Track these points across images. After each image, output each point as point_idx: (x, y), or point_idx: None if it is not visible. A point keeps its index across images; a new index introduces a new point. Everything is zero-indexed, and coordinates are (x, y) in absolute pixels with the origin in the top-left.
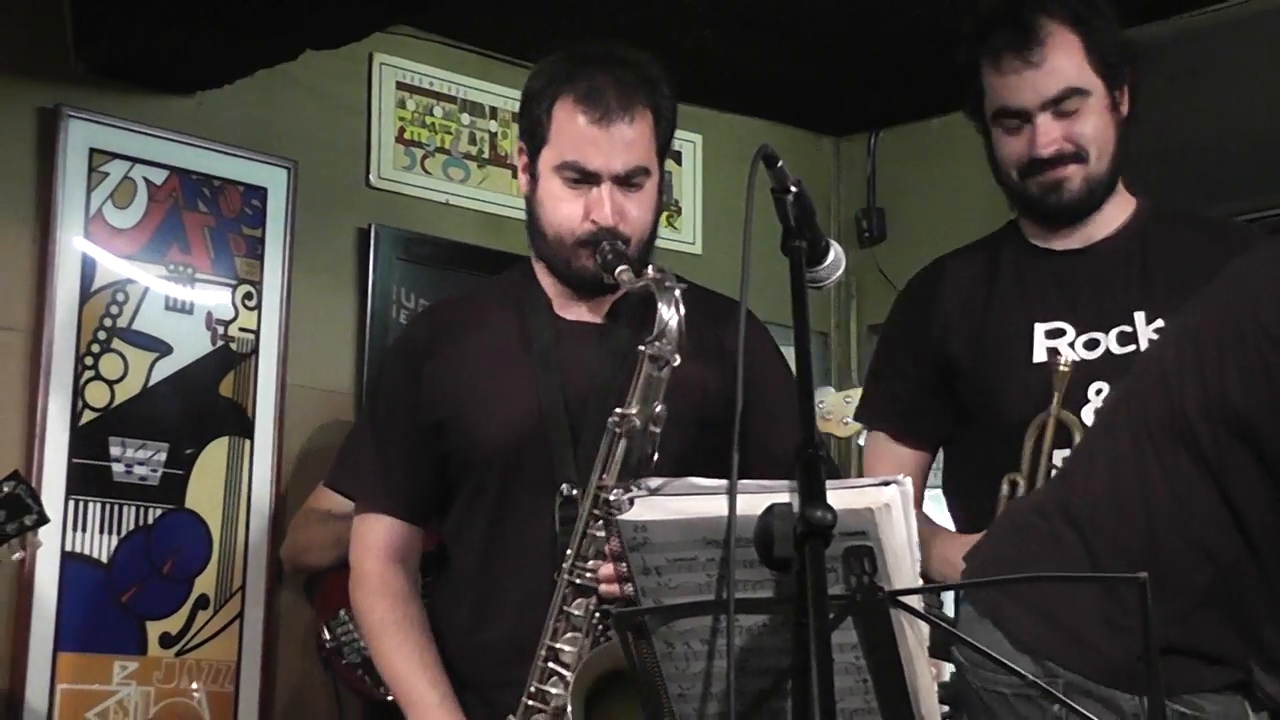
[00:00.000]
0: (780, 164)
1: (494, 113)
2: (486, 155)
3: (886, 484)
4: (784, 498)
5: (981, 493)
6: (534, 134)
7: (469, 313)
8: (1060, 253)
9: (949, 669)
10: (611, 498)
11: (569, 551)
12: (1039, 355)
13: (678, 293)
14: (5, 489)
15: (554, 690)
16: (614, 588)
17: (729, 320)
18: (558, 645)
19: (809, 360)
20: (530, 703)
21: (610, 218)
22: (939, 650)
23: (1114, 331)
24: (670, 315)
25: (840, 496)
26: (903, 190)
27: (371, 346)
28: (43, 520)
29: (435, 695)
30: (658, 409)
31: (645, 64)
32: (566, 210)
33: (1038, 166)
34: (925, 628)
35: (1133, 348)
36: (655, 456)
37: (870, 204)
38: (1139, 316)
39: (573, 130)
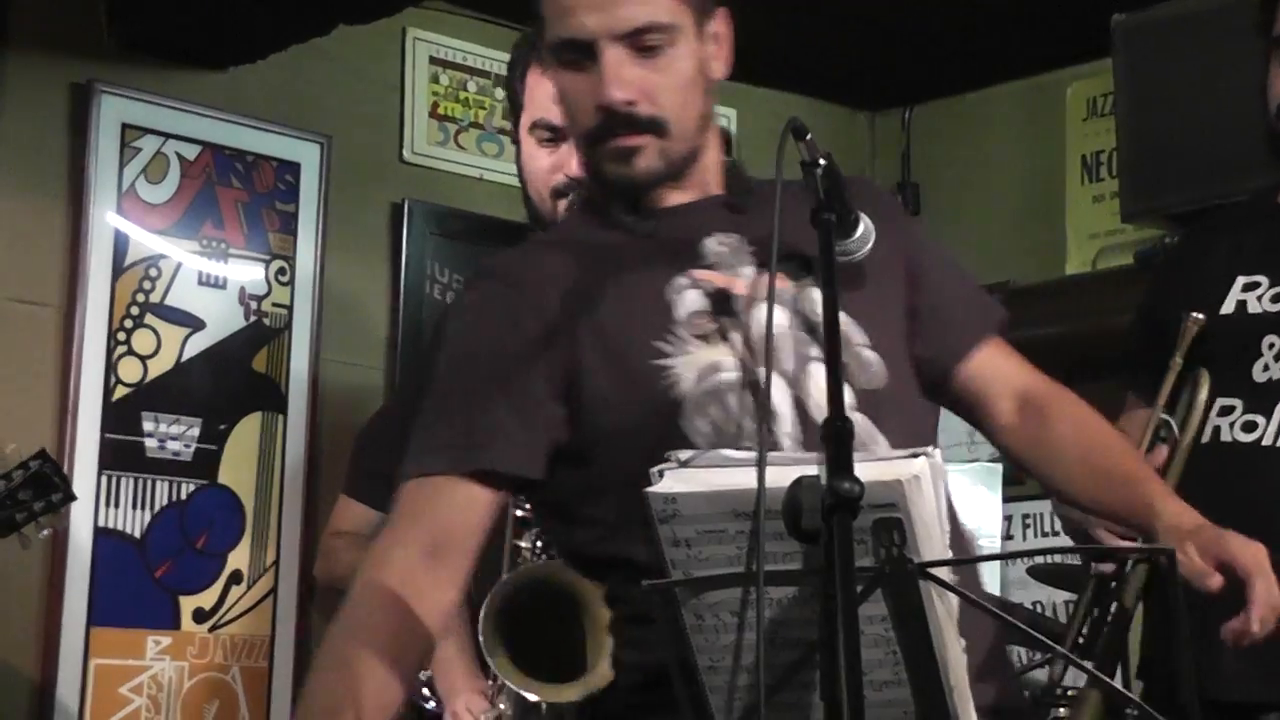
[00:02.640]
0: (809, 136)
1: None
2: None
3: (916, 456)
4: (813, 470)
5: None
6: (514, 106)
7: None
8: None
9: None
10: None
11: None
12: (1227, 307)
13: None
14: (32, 467)
15: None
16: None
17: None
18: None
19: (838, 334)
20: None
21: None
22: None
23: None
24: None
25: (869, 469)
26: (937, 165)
27: (405, 322)
28: (69, 498)
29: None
30: None
31: None
32: (535, 165)
33: None
34: (955, 600)
35: None
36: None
37: (905, 179)
38: None
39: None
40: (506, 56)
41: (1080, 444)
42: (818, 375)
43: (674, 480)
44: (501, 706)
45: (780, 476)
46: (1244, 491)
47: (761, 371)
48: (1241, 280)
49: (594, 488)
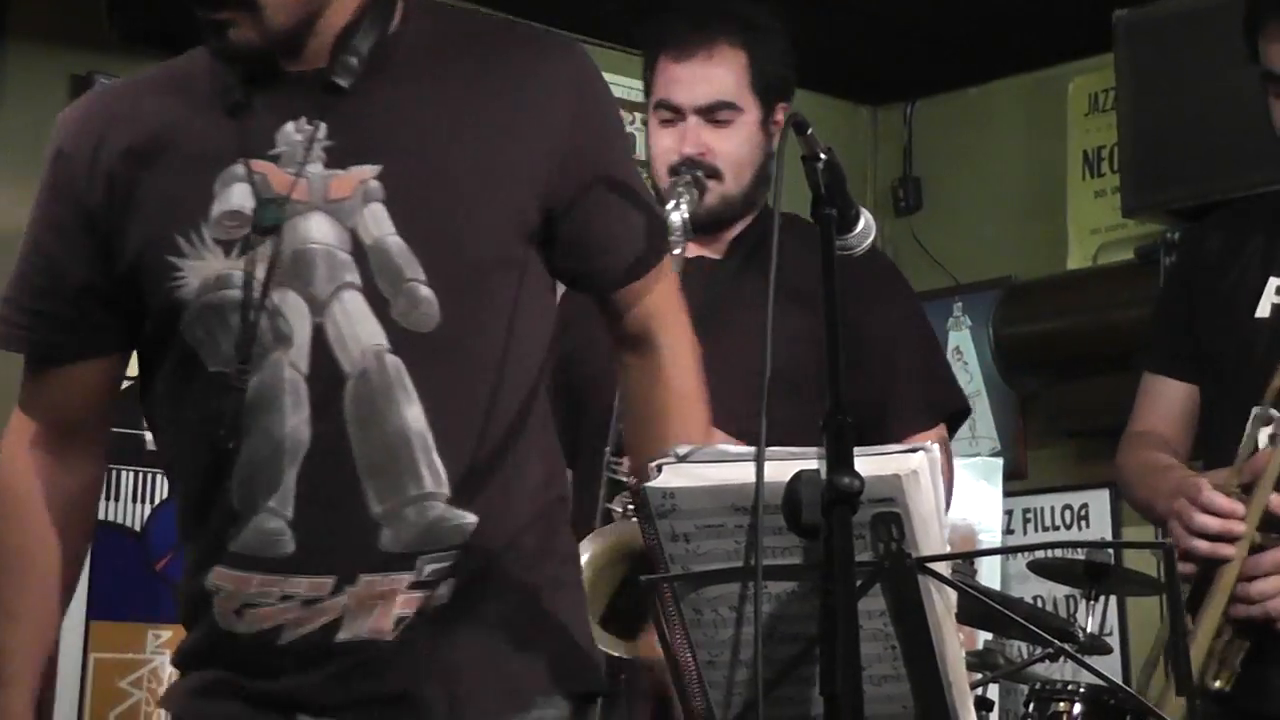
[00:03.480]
0: (810, 131)
1: None
2: None
3: (914, 451)
4: (812, 464)
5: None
6: (645, 88)
7: None
8: None
9: (983, 637)
10: None
11: (606, 449)
12: (1262, 310)
13: (682, 189)
14: None
15: None
16: None
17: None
18: None
19: (838, 328)
20: None
21: (690, 147)
22: (967, 616)
23: None
24: (670, 209)
25: (868, 463)
26: (939, 159)
27: None
28: None
29: None
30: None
31: (743, 7)
32: (661, 145)
33: None
34: (953, 594)
35: None
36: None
37: (906, 173)
38: None
39: (664, 72)
40: None
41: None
42: (350, 304)
43: (672, 475)
44: None
45: (779, 471)
46: None
47: (279, 296)
48: (1275, 282)
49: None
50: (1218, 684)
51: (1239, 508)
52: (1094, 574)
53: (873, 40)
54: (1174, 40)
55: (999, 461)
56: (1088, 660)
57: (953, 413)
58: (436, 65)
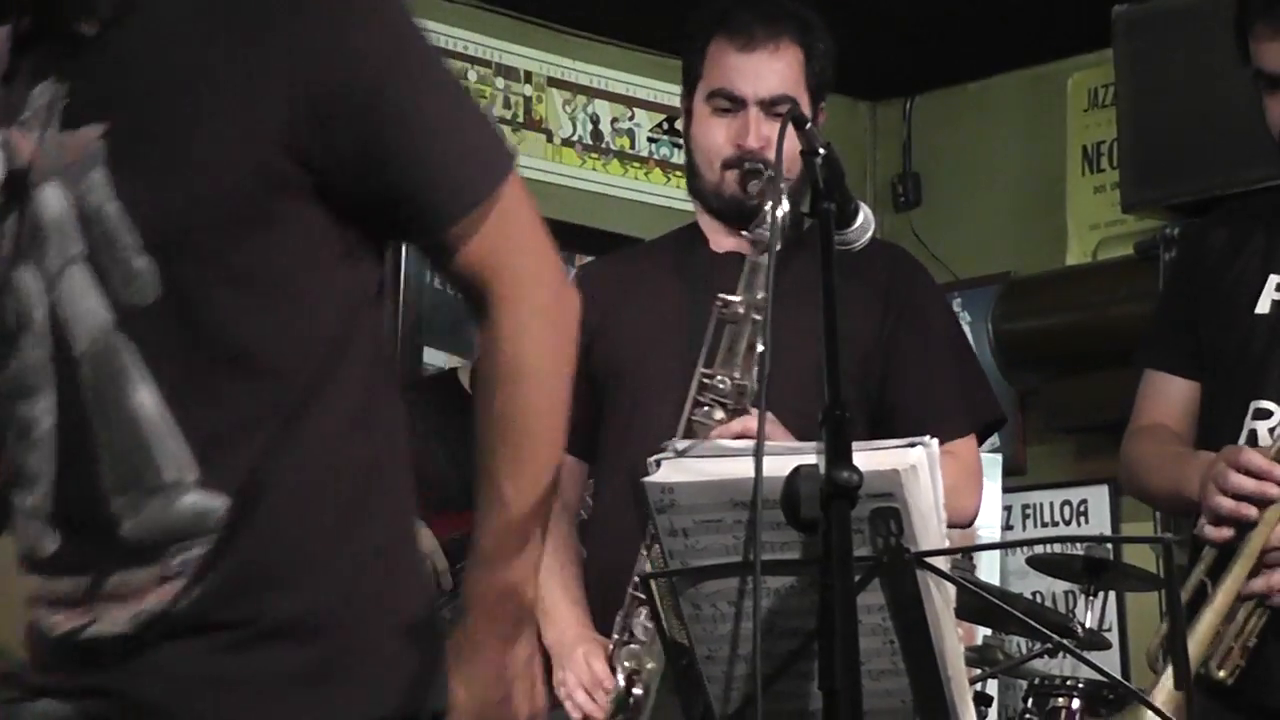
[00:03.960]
0: (809, 125)
1: (529, 77)
2: (521, 120)
3: (913, 445)
4: (811, 459)
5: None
6: (690, 73)
7: (637, 251)
8: None
9: (982, 632)
10: (718, 385)
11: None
12: (1262, 306)
13: (783, 185)
14: None
15: None
16: None
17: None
18: None
19: (836, 323)
20: (634, 594)
21: (756, 140)
22: (966, 612)
23: None
24: (771, 203)
25: (867, 458)
26: (938, 155)
27: (406, 311)
28: None
29: (566, 601)
30: (759, 295)
31: (798, 7)
32: (714, 135)
33: None
34: (952, 589)
35: None
36: (761, 348)
37: (906, 169)
38: None
39: (722, 61)
40: (507, 46)
41: None
42: (76, 279)
43: (671, 470)
44: (648, 665)
45: (778, 466)
46: None
47: (20, 275)
48: (1275, 279)
49: None
50: (1222, 674)
51: (1278, 469)
52: (1093, 569)
53: (872, 35)
54: (1173, 36)
55: (998, 457)
56: (1087, 655)
57: (988, 422)
58: (184, 4)
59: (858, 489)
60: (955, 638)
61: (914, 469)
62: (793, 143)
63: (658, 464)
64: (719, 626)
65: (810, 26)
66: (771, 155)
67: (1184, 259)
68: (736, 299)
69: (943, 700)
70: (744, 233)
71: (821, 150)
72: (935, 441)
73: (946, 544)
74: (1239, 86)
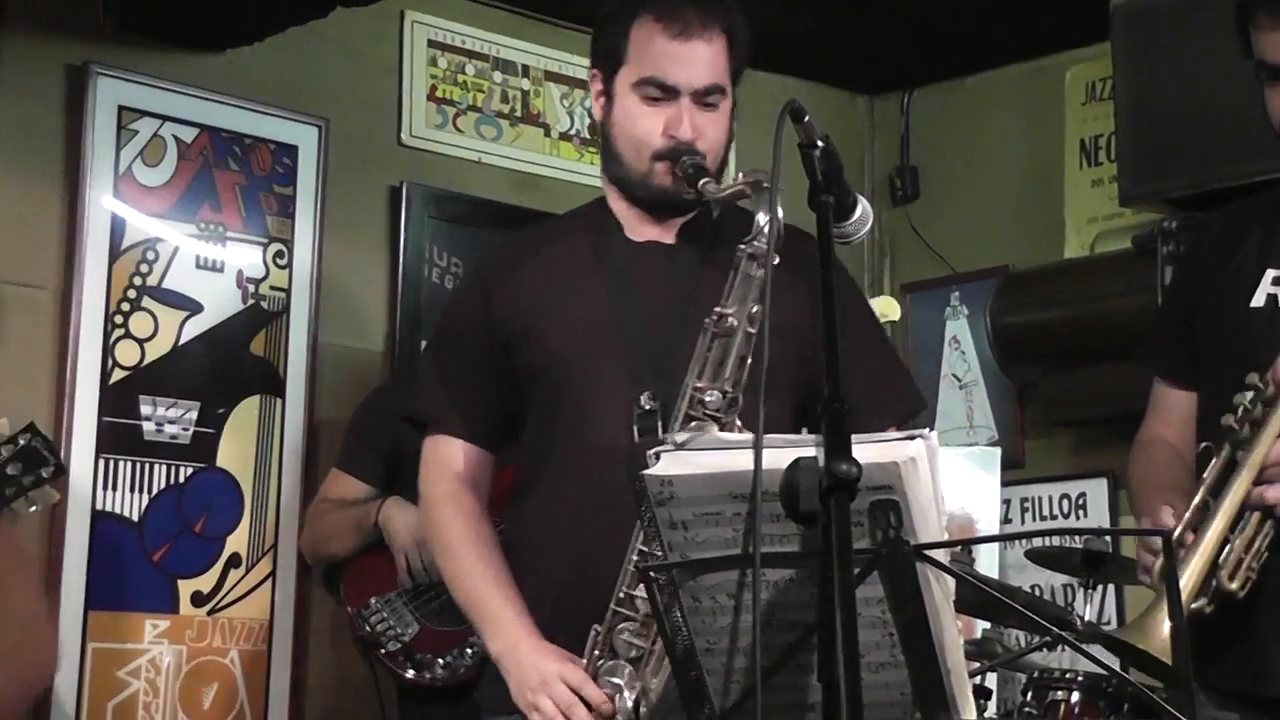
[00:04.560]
0: (807, 119)
1: (526, 70)
2: (519, 113)
3: (912, 438)
4: (810, 452)
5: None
6: (610, 55)
7: (541, 237)
8: None
9: (981, 625)
10: (707, 399)
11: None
12: (1257, 300)
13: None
14: (20, 442)
15: (642, 595)
16: None
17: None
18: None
19: (834, 315)
20: (618, 609)
21: (689, 132)
22: (965, 605)
23: None
24: (766, 214)
25: (866, 450)
26: (936, 149)
27: (404, 305)
28: (60, 471)
29: (511, 610)
30: (754, 309)
31: None
32: (645, 125)
33: None
34: (951, 582)
35: None
36: (750, 362)
37: (904, 163)
38: None
39: (652, 47)
40: (505, 40)
41: None
42: None
43: (670, 462)
44: (653, 682)
45: (777, 459)
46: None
47: None
48: (1271, 273)
49: None
50: (1234, 585)
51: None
52: (1092, 562)
53: (869, 29)
54: (1171, 29)
55: (996, 451)
56: (1086, 648)
57: (914, 410)
58: None
59: (857, 481)
60: (955, 630)
61: (913, 461)
62: (718, 130)
63: (657, 457)
64: (718, 619)
65: (732, 10)
66: (701, 146)
67: (1184, 258)
68: (729, 311)
69: (942, 693)
70: (741, 246)
71: (820, 143)
72: (934, 434)
73: (946, 537)
74: (1237, 80)
